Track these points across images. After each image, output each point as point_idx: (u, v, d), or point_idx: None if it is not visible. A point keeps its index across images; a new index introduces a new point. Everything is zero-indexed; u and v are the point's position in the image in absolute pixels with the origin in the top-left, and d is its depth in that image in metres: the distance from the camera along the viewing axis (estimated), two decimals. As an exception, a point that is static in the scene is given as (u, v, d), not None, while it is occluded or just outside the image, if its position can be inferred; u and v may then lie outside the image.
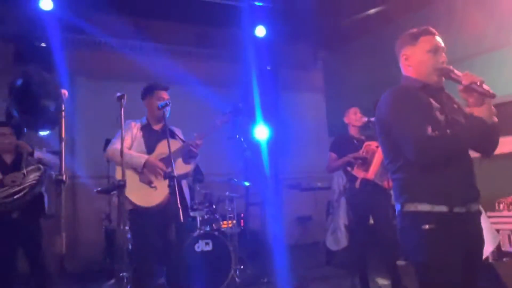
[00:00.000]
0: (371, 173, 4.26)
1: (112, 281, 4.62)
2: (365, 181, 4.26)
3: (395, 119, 2.09)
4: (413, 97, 2.10)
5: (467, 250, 2.01)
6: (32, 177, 3.63)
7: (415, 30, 2.24)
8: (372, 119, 4.16)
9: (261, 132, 6.67)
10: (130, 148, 3.34)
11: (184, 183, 3.48)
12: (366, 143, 4.32)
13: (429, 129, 1.98)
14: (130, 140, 3.35)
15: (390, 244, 4.11)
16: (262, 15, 6.60)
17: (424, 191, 2.04)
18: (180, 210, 2.68)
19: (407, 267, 4.25)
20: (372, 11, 6.62)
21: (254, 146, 6.55)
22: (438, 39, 2.19)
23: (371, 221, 4.39)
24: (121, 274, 4.13)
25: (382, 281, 4.70)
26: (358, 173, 4.31)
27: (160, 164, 3.25)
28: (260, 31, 6.65)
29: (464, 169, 2.08)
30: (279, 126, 6.81)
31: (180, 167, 3.16)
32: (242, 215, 6.24)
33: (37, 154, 3.74)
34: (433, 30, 2.22)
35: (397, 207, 2.12)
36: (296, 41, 7.69)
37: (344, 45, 7.53)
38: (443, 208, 2.00)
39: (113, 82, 6.02)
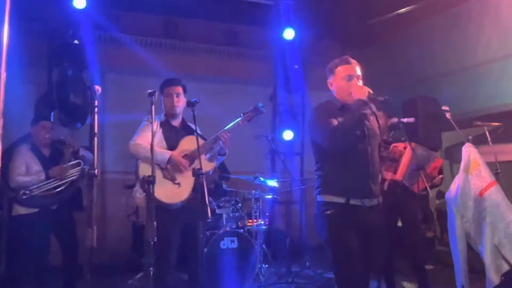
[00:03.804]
0: (400, 174, 4.20)
1: (140, 275, 4.68)
2: (393, 183, 4.19)
3: (313, 123, 2.68)
4: (330, 111, 2.62)
5: (365, 235, 2.54)
6: (74, 172, 3.78)
7: (334, 61, 2.73)
8: (402, 119, 4.09)
9: (289, 132, 6.65)
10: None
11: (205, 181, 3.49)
12: (394, 144, 4.26)
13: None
14: (151, 136, 3.34)
15: (418, 247, 4.05)
16: (290, 13, 6.55)
17: (330, 186, 2.61)
18: (208, 207, 2.70)
19: (435, 271, 4.18)
20: (401, 10, 6.51)
21: (282, 145, 6.55)
22: (350, 67, 2.67)
23: (399, 223, 4.32)
24: (149, 268, 4.21)
25: (408, 285, 4.62)
26: (386, 174, 4.25)
27: (184, 162, 3.24)
28: (289, 33, 6.60)
29: (363, 170, 2.61)
30: (306, 125, 6.76)
31: (204, 165, 3.15)
32: (267, 213, 6.23)
33: (82, 152, 3.91)
34: (348, 59, 2.70)
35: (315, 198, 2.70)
36: (324, 39, 7.62)
37: (372, 45, 7.42)
38: (341, 200, 2.56)
39: (143, 79, 6.08)
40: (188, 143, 3.31)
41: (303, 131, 6.66)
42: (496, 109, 4.90)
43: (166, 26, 6.47)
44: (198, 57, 6.86)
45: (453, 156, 6.52)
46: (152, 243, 2.86)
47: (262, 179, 5.10)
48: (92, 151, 4.74)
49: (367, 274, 2.63)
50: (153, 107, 2.75)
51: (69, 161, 3.89)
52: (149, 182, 2.61)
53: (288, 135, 6.66)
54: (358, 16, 6.85)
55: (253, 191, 5.14)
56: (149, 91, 2.76)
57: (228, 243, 4.53)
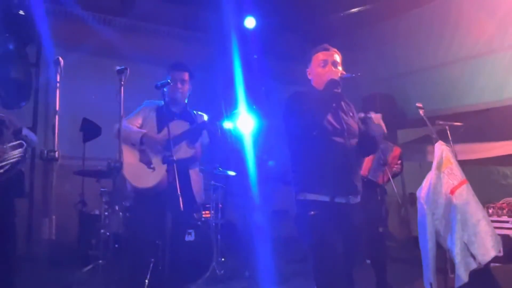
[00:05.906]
0: (364, 170, 4.20)
1: (88, 267, 4.35)
2: (357, 178, 4.18)
3: (285, 108, 2.55)
4: (306, 98, 2.51)
5: (347, 234, 2.40)
6: (15, 154, 3.36)
7: (313, 49, 2.66)
8: (368, 114, 4.09)
9: (246, 123, 6.50)
10: (140, 128, 3.19)
11: (194, 171, 3.30)
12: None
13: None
14: (141, 120, 3.20)
15: (379, 243, 4.07)
16: (251, 2, 6.43)
17: (312, 183, 2.43)
18: (180, 198, 2.50)
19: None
20: (354, 9, 6.54)
21: (238, 136, 6.39)
22: (328, 53, 2.59)
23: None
24: (99, 261, 3.92)
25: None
26: (350, 169, 4.23)
27: (158, 138, 3.06)
28: (250, 22, 6.50)
29: (346, 166, 2.47)
30: (264, 117, 6.66)
31: (183, 151, 2.98)
32: (220, 205, 6.06)
33: (25, 131, 3.48)
34: (326, 46, 2.63)
35: (294, 196, 2.52)
36: (285, 32, 7.55)
37: (333, 40, 7.42)
38: (326, 198, 2.38)
39: (93, 58, 5.69)
40: (175, 128, 3.14)
41: (263, 121, 6.57)
42: (454, 109, 5.03)
43: (123, 3, 6.09)
44: (154, 38, 6.54)
45: (405, 153, 6.67)
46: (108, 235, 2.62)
47: (221, 169, 4.95)
48: (35, 132, 4.35)
49: (351, 281, 2.50)
50: (122, 87, 2.50)
51: (10, 142, 3.48)
52: (115, 168, 2.38)
53: (245, 126, 6.50)
54: (319, 11, 6.83)
55: (212, 182, 4.98)
56: (118, 68, 2.51)
57: (186, 236, 4.34)
